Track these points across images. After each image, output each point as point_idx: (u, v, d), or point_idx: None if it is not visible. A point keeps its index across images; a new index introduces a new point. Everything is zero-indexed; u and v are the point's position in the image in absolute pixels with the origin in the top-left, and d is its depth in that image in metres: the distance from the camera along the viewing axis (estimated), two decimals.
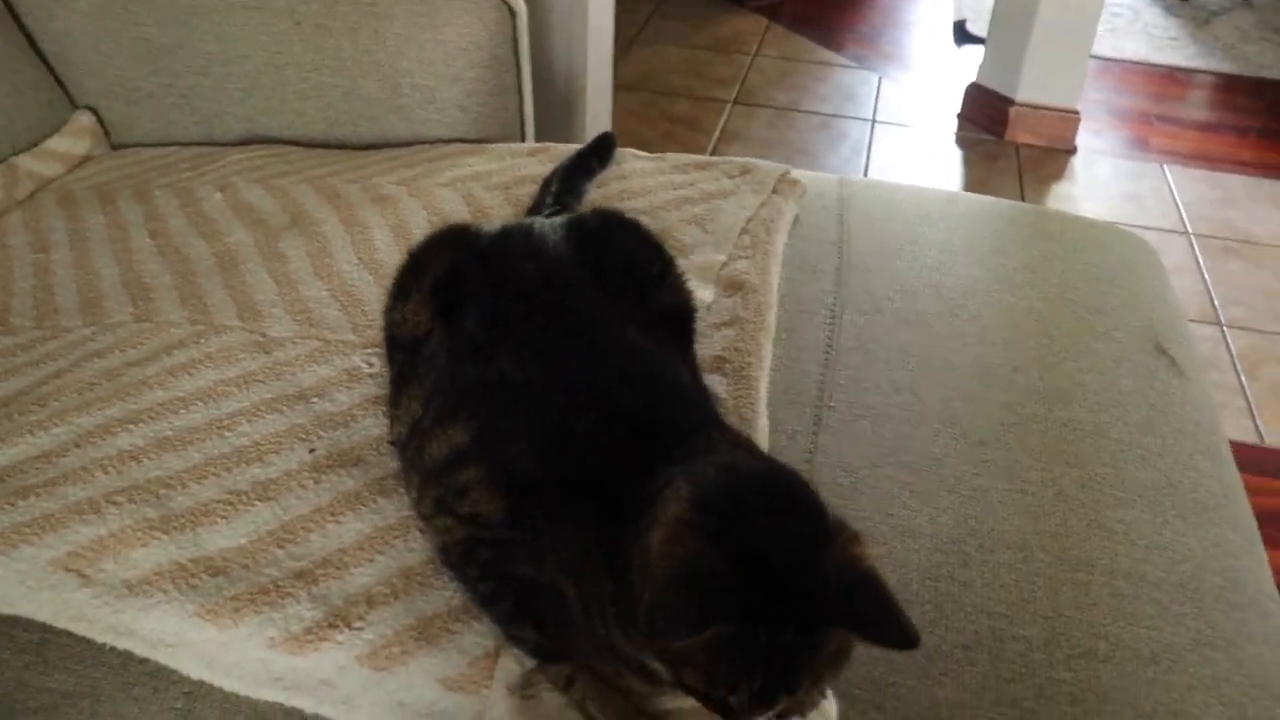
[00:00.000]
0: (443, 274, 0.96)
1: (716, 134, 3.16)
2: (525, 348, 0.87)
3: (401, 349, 0.98)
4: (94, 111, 1.72)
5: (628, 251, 1.01)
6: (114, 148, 1.74)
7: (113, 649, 0.85)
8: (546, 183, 1.37)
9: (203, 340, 1.16)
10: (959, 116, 3.28)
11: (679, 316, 1.01)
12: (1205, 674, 0.85)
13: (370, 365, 1.10)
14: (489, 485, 0.81)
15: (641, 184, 1.42)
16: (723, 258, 1.26)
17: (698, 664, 0.63)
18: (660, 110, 3.26)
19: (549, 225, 1.01)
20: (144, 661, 0.85)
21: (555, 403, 0.80)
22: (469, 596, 0.85)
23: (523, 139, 1.71)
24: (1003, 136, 3.14)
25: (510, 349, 0.87)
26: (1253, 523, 1.03)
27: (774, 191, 1.39)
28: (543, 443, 0.80)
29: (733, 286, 1.21)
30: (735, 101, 3.34)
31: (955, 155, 3.15)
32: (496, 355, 0.87)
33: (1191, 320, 2.41)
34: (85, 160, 1.68)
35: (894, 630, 0.61)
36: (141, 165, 1.63)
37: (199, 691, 0.83)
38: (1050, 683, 0.84)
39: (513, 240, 0.97)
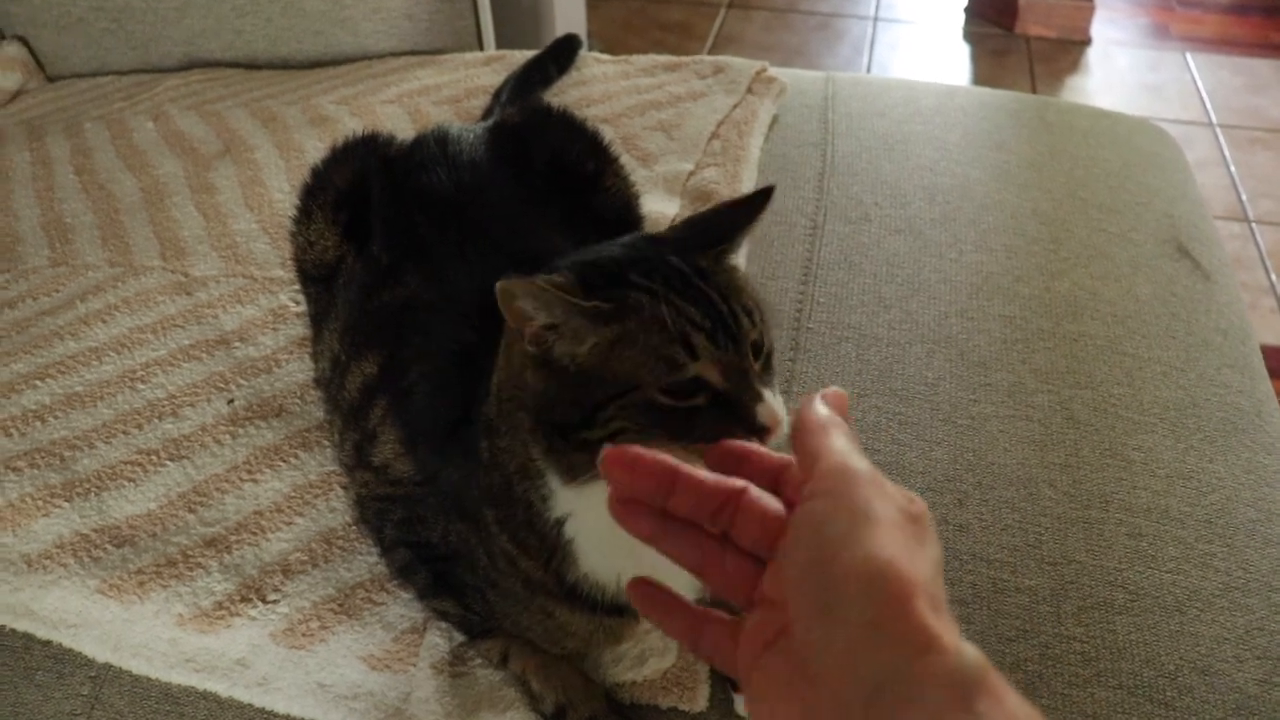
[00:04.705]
0: (345, 189, 0.86)
1: (710, 40, 2.99)
2: (433, 265, 0.77)
3: (314, 281, 0.88)
4: (23, 42, 1.61)
5: (555, 150, 0.89)
6: (50, 80, 1.63)
7: (12, 631, 0.78)
8: (497, 93, 1.25)
9: (121, 284, 1.08)
10: (966, 10, 3.10)
11: (619, 221, 0.90)
12: (1237, 623, 0.74)
13: (298, 303, 1.01)
14: (392, 422, 0.74)
15: (603, 90, 1.29)
16: (690, 166, 1.14)
17: (630, 358, 0.53)
18: (649, 17, 3.09)
19: (470, 129, 0.90)
20: (47, 644, 0.77)
21: (457, 326, 0.70)
22: (386, 570, 0.78)
23: (480, 49, 1.57)
24: (1012, 29, 2.97)
25: (418, 267, 0.78)
26: None
27: (749, 91, 1.27)
28: (439, 373, 0.72)
29: (701, 197, 1.10)
30: (730, 5, 3.17)
31: (963, 52, 2.98)
32: (404, 275, 0.78)
33: (1218, 217, 2.26)
34: (18, 95, 1.58)
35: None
36: (76, 97, 1.53)
37: (106, 675, 0.76)
38: (1058, 640, 0.73)
39: (424, 148, 0.86)
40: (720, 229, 0.59)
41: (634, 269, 0.55)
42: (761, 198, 0.59)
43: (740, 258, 1.01)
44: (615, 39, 2.94)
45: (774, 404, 0.53)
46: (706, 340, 0.53)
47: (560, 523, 0.61)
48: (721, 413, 0.53)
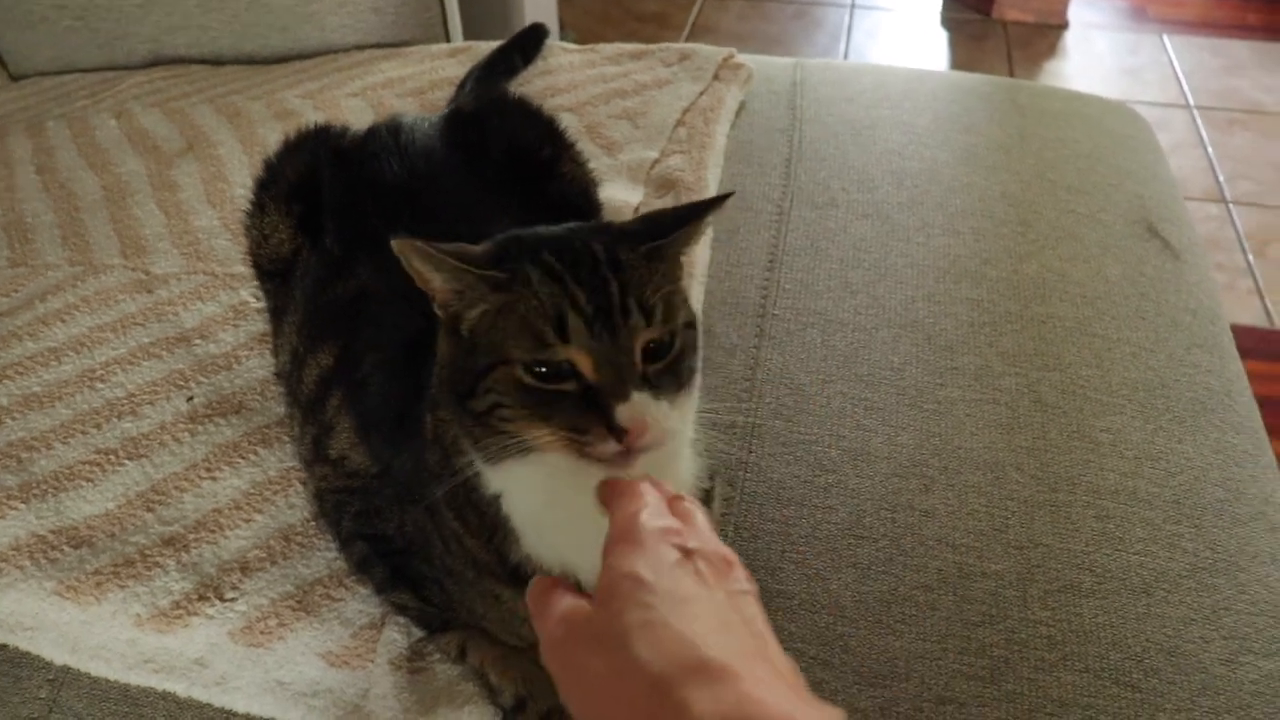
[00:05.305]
0: (296, 181, 0.85)
1: (686, 31, 2.98)
2: (385, 255, 0.75)
3: (271, 276, 0.87)
4: None
5: (511, 137, 0.88)
6: (14, 79, 1.61)
7: None
8: (462, 84, 1.24)
9: (80, 283, 1.06)
10: None
11: (577, 208, 0.89)
12: (1204, 603, 0.74)
13: (258, 299, 1.00)
14: (346, 413, 0.73)
15: (569, 79, 1.28)
16: (654, 154, 1.13)
17: (506, 330, 0.53)
18: (625, 9, 3.08)
19: (425, 118, 0.89)
20: (2, 648, 0.76)
21: (408, 315, 0.70)
22: (345, 565, 0.77)
23: (448, 41, 1.56)
24: (990, 14, 2.97)
25: (370, 258, 0.77)
26: (1259, 423, 0.91)
27: (716, 78, 1.25)
28: (391, 364, 0.71)
29: (665, 185, 1.08)
30: None
31: (940, 38, 2.97)
32: (356, 266, 0.77)
33: (1195, 199, 2.26)
34: None
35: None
36: (39, 96, 1.51)
37: (64, 678, 0.75)
38: (1024, 624, 0.73)
39: (377, 138, 0.85)
40: (662, 224, 0.57)
41: (550, 247, 0.54)
42: (716, 201, 0.59)
43: (704, 247, 1.01)
44: (590, 31, 2.92)
45: (643, 408, 0.51)
46: (583, 326, 0.51)
47: (497, 498, 0.60)
48: (585, 404, 0.51)
